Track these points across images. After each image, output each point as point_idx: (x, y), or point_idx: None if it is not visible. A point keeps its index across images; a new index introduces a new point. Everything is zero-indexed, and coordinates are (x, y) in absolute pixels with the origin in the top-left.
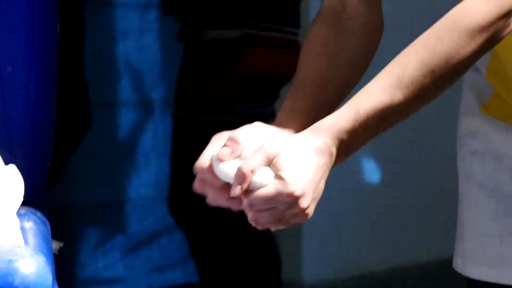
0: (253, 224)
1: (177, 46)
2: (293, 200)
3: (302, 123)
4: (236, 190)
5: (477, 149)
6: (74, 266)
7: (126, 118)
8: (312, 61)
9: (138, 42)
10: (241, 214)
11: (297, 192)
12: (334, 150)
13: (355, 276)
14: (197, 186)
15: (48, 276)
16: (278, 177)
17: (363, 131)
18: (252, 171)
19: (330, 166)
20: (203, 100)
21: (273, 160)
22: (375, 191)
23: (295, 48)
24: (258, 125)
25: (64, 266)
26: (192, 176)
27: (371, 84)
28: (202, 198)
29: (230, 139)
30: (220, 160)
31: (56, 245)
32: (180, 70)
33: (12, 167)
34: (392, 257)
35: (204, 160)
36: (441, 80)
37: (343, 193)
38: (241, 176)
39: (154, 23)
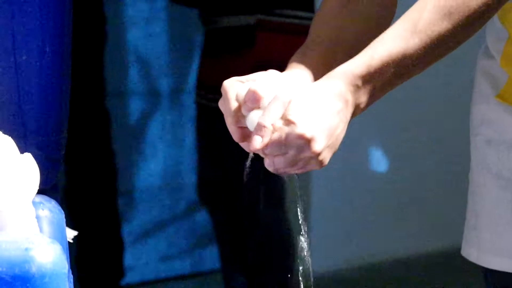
0: (270, 169)
1: (185, 34)
2: (303, 142)
3: (309, 79)
4: (257, 144)
5: (492, 138)
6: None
7: (134, 108)
8: (322, 26)
9: (146, 31)
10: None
11: (307, 134)
12: (349, 97)
13: (362, 266)
14: (239, 140)
15: (64, 264)
16: (287, 121)
17: (379, 78)
18: (272, 124)
19: (348, 114)
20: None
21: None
22: (383, 182)
23: None
24: (273, 73)
25: (74, 254)
26: (216, 163)
27: (387, 31)
28: (226, 183)
29: (251, 92)
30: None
31: (70, 233)
32: (200, 58)
33: (28, 156)
34: (399, 247)
35: (232, 107)
36: (459, 24)
37: (351, 183)
38: (261, 130)
39: (162, 12)
